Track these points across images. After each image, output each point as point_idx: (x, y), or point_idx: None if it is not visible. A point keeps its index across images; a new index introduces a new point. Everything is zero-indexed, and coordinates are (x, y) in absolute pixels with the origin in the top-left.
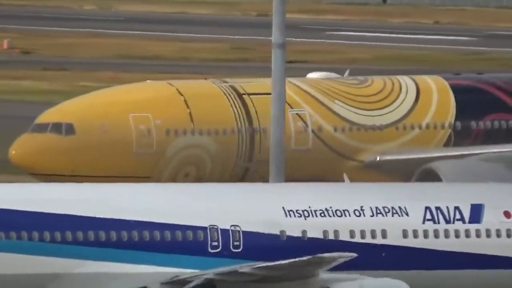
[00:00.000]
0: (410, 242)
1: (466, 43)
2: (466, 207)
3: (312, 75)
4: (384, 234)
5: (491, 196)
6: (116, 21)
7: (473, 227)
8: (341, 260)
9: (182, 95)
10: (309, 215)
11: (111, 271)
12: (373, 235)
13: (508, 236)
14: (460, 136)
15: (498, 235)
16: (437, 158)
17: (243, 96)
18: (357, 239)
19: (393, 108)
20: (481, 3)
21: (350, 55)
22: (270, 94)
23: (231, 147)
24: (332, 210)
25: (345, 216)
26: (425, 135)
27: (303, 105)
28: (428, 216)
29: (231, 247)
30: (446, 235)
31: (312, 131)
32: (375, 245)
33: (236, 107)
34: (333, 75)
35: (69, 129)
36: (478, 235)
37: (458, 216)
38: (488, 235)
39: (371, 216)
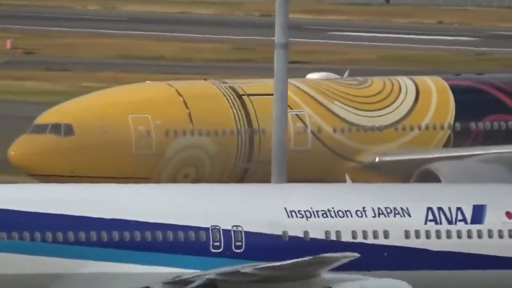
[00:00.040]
0: (412, 243)
1: (469, 43)
2: (468, 208)
3: (311, 76)
4: (386, 234)
5: (493, 196)
6: (118, 21)
7: (475, 227)
8: (343, 260)
9: (181, 96)
10: (311, 215)
11: (113, 271)
12: (375, 236)
13: (510, 236)
14: (460, 137)
15: (500, 236)
16: (437, 159)
17: (243, 97)
18: (359, 239)
19: (393, 109)
20: (484, 3)
21: (353, 56)
22: (269, 95)
23: (230, 148)
24: (334, 211)
25: (347, 216)
26: (425, 136)
27: (303, 106)
28: (430, 216)
29: (233, 247)
30: (448, 236)
31: (312, 132)
32: (377, 246)
33: (235, 108)
34: (332, 75)
35: (68, 129)
36: (480, 235)
37: (460, 217)
38: (490, 235)
39: (373, 216)
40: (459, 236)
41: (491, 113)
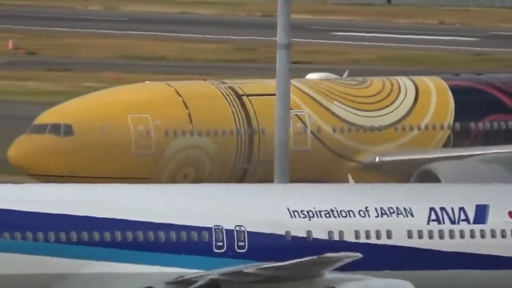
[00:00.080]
0: (415, 243)
1: (471, 43)
2: (471, 208)
3: (311, 76)
4: (389, 234)
5: (496, 196)
6: (120, 22)
7: (478, 227)
8: (346, 260)
9: (180, 96)
10: (314, 215)
11: (116, 271)
12: (378, 236)
13: None
14: (459, 137)
15: (503, 236)
16: (436, 159)
17: (242, 97)
18: (362, 239)
19: (392, 109)
20: (485, 3)
21: (355, 56)
22: (269, 95)
23: (230, 148)
24: (337, 211)
25: (350, 216)
26: (424, 136)
27: (302, 106)
28: (433, 216)
29: (236, 247)
30: (451, 236)
31: (311, 132)
32: (380, 246)
33: (235, 108)
34: (332, 76)
35: (68, 130)
36: (483, 235)
37: (463, 217)
38: (493, 235)
39: (376, 216)
40: (462, 236)
41: (491, 113)
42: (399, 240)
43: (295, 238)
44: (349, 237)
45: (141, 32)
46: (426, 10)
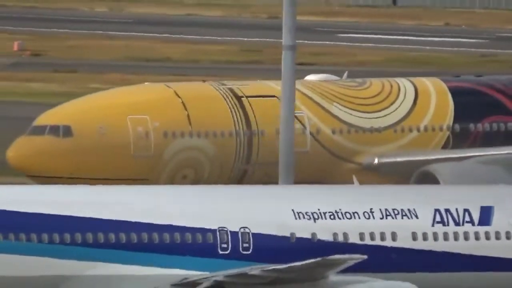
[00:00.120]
0: (420, 245)
1: (476, 45)
2: (476, 209)
3: (310, 77)
4: (393, 236)
5: (500, 198)
6: (126, 23)
7: (482, 229)
8: (351, 262)
9: (179, 97)
10: (318, 217)
11: (121, 273)
12: (383, 238)
13: None
14: (459, 138)
15: (508, 237)
16: (435, 161)
17: (242, 98)
18: (367, 241)
19: (392, 110)
20: (491, 5)
21: (361, 57)
22: (268, 96)
23: (229, 150)
24: (341, 212)
25: (355, 218)
26: (424, 138)
27: (301, 107)
28: (438, 218)
29: (240, 249)
30: (456, 238)
31: (310, 133)
32: (384, 247)
33: (234, 109)
34: (332, 77)
35: (67, 131)
36: (487, 237)
37: (467, 218)
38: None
39: (380, 218)
40: (466, 238)
41: (490, 115)
42: (404, 242)
43: (300, 239)
44: (354, 239)
45: (147, 34)
46: (431, 11)
